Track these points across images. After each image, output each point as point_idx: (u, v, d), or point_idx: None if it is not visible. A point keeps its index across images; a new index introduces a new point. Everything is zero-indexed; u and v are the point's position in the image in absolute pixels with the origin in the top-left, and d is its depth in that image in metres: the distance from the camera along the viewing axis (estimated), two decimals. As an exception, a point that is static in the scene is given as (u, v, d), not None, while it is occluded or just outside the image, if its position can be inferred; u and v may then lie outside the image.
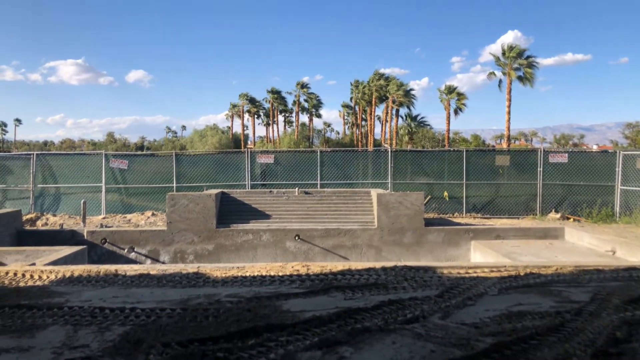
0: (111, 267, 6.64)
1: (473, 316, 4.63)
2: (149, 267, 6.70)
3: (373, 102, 61.91)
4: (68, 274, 6.36)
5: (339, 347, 3.90)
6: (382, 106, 64.37)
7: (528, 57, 43.88)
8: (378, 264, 6.82)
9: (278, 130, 79.69)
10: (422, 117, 64.07)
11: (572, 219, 13.15)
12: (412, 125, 62.89)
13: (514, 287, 5.69)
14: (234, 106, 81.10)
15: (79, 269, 6.52)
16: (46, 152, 17.22)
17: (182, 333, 4.21)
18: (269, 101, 76.57)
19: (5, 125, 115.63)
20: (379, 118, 69.41)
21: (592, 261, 7.23)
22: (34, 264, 7.23)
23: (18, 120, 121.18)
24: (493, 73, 45.27)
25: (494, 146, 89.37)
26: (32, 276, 6.34)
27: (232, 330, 4.19)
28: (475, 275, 6.28)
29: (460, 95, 53.27)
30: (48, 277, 6.28)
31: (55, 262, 7.69)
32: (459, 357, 3.62)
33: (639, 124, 70.87)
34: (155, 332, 4.24)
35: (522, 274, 6.29)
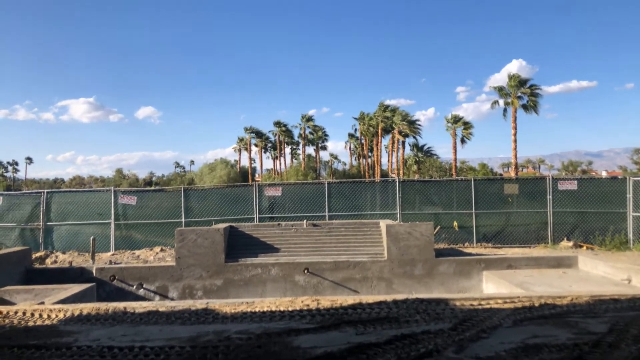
0: (120, 305, 6.60)
1: (488, 349, 4.52)
2: (157, 304, 6.64)
3: (379, 134, 62.29)
4: (77, 313, 6.32)
5: (352, 383, 3.82)
6: (388, 137, 64.77)
7: (531, 85, 44.22)
8: (389, 297, 6.71)
9: (285, 163, 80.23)
10: (428, 147, 64.33)
11: (585, 247, 12.94)
12: (419, 155, 63.08)
13: (529, 319, 5.56)
14: (241, 140, 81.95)
15: (87, 307, 6.48)
16: (56, 189, 17.40)
17: (192, 372, 4.15)
18: (276, 134, 77.34)
19: (17, 164, 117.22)
20: (386, 147, 69.76)
21: (608, 290, 7.08)
22: (42, 303, 7.20)
23: (29, 159, 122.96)
24: (496, 102, 45.57)
25: (501, 174, 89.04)
26: (40, 315, 6.30)
27: (242, 368, 4.13)
28: (488, 306, 6.15)
29: (467, 124, 53.49)
30: (57, 316, 6.24)
31: (64, 301, 7.66)
32: (475, 393, 3.52)
33: (648, 148, 70.44)
34: (164, 371, 4.18)
35: (536, 304, 6.16)
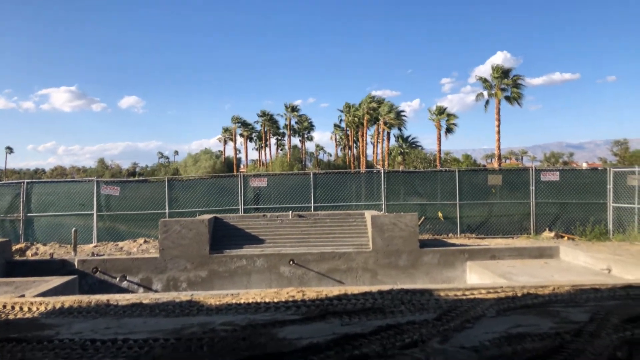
0: (103, 297, 6.51)
1: (472, 339, 4.57)
2: (141, 296, 6.57)
3: (365, 125, 62.39)
4: (58, 305, 6.22)
5: (338, 375, 3.82)
6: (374, 128, 64.92)
7: (514, 76, 44.66)
8: (374, 288, 6.74)
9: (270, 154, 79.94)
10: (413, 138, 64.69)
11: (566, 237, 13.16)
12: (404, 146, 63.39)
13: (512, 309, 5.64)
14: (226, 130, 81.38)
15: (69, 300, 6.38)
16: (36, 180, 17.06)
17: (176, 364, 4.11)
18: (261, 124, 76.89)
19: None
20: (371, 138, 69.86)
21: (589, 280, 7.21)
22: (23, 296, 7.07)
23: (9, 149, 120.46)
24: (481, 94, 45.94)
25: (484, 165, 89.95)
26: (21, 308, 6.19)
27: (227, 361, 4.10)
28: (472, 297, 6.22)
29: (451, 116, 53.89)
30: (38, 309, 6.14)
31: (45, 293, 7.53)
32: (460, 383, 3.55)
33: (627, 141, 71.69)
34: (148, 364, 4.14)
35: (519, 294, 6.24)
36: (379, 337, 4.65)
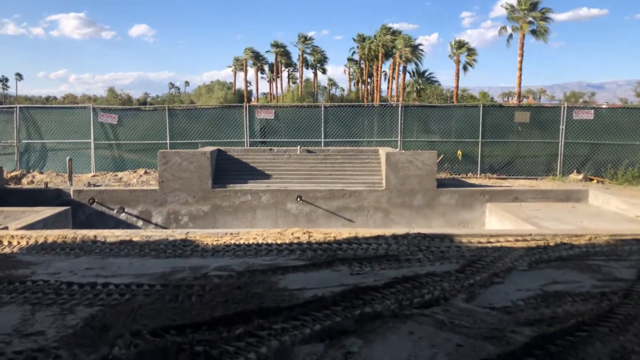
0: (89, 233, 5.95)
1: (503, 297, 3.93)
2: (131, 233, 6.01)
3: (380, 58, 59.87)
4: (41, 240, 5.69)
5: (345, 338, 3.21)
6: (389, 62, 62.38)
7: (543, 9, 41.78)
8: (388, 231, 6.09)
9: (282, 87, 78.00)
10: (430, 74, 62.04)
11: (595, 180, 12.31)
12: (420, 81, 61.08)
13: (546, 261, 4.97)
14: (237, 60, 78.96)
15: (53, 235, 5.84)
16: (31, 105, 16.34)
17: (158, 317, 3.54)
18: (273, 53, 74.28)
19: (7, 80, 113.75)
20: (385, 74, 67.43)
21: (629, 229, 6.50)
22: (6, 228, 6.55)
23: (19, 75, 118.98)
24: (504, 28, 43.30)
25: (500, 105, 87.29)
26: (1, 242, 5.67)
27: (217, 315, 3.51)
28: (498, 245, 5.55)
29: (470, 51, 51.36)
30: (19, 243, 5.62)
31: (32, 226, 7.02)
32: (493, 357, 2.92)
33: (654, 80, 68.31)
34: (126, 315, 3.57)
35: (552, 244, 5.56)
36: (394, 291, 4.03)
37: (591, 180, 12.36)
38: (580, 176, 12.33)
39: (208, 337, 3.20)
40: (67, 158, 10.77)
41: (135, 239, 5.78)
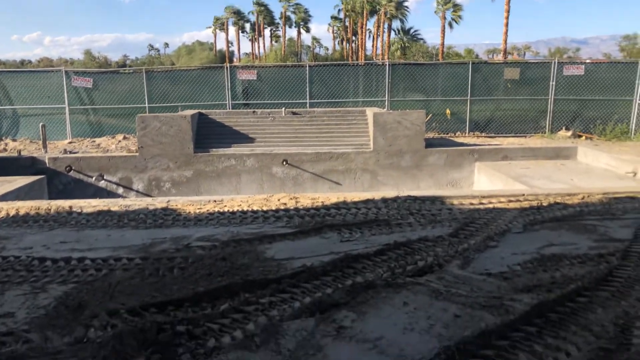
0: (64, 203, 5.65)
1: (499, 262, 3.79)
2: (109, 203, 5.72)
3: (365, 15, 58.33)
4: (12, 213, 5.38)
5: (337, 311, 3.04)
6: (373, 20, 60.83)
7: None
8: (377, 195, 5.90)
9: (264, 46, 75.97)
10: (415, 31, 60.86)
11: (584, 137, 12.21)
12: (405, 39, 59.88)
13: (540, 222, 4.84)
14: (218, 19, 76.38)
15: (25, 206, 5.53)
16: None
17: (138, 294, 3.32)
18: (255, 13, 71.93)
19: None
20: (370, 32, 65.89)
21: (621, 186, 6.39)
22: (-24, 200, 6.20)
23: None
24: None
25: (485, 61, 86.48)
26: (-31, 216, 5.35)
27: (200, 290, 3.31)
28: (491, 206, 5.41)
29: (456, 7, 50.16)
30: (-12, 216, 5.30)
31: (3, 197, 6.68)
32: (493, 327, 2.77)
33: (638, 36, 67.85)
34: (103, 293, 3.35)
35: (545, 204, 5.43)
36: (386, 259, 3.86)
37: (580, 136, 12.26)
38: (569, 133, 12.22)
39: (191, 314, 3.01)
40: (40, 124, 10.26)
41: (113, 208, 5.51)
